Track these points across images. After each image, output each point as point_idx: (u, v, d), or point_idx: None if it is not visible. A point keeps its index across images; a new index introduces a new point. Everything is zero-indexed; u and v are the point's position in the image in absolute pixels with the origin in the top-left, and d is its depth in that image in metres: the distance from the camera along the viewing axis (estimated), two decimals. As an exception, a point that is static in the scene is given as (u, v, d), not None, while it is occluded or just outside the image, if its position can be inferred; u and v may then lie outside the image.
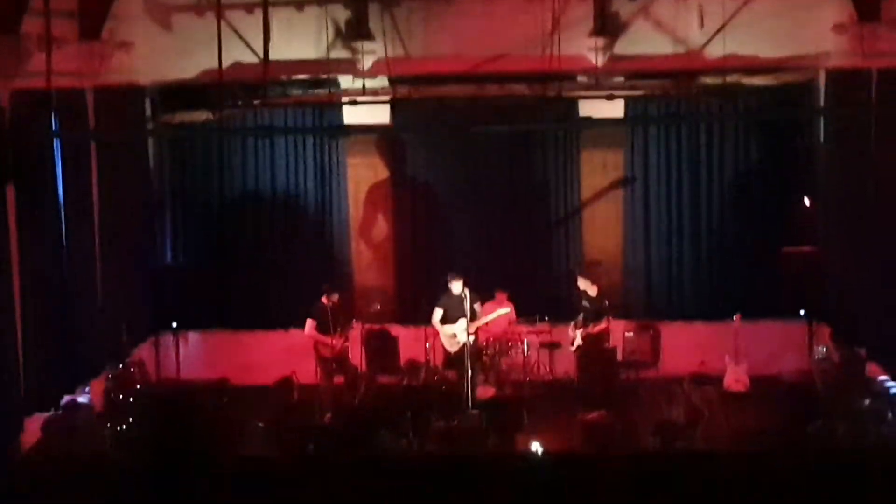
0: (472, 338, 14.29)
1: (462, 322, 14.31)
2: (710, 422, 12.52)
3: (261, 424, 12.53)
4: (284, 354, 14.92)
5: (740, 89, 15.34)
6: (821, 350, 14.60)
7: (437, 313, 14.62)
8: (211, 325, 16.35)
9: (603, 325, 14.70)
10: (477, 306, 14.50)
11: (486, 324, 14.75)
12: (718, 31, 13.98)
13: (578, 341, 14.87)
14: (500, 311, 14.68)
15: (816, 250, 14.85)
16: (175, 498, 9.88)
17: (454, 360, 14.59)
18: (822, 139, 15.23)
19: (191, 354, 15.97)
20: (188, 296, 15.73)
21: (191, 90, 15.34)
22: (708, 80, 15.37)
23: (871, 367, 13.89)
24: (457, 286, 14.43)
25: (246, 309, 16.43)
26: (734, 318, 15.09)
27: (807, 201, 15.39)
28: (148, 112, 15.57)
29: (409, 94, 15.53)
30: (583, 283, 14.98)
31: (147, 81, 15.20)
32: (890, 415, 12.41)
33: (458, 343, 14.43)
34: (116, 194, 14.51)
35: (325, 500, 9.45)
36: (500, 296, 15.32)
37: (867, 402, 12.57)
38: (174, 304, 15.65)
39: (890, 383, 13.32)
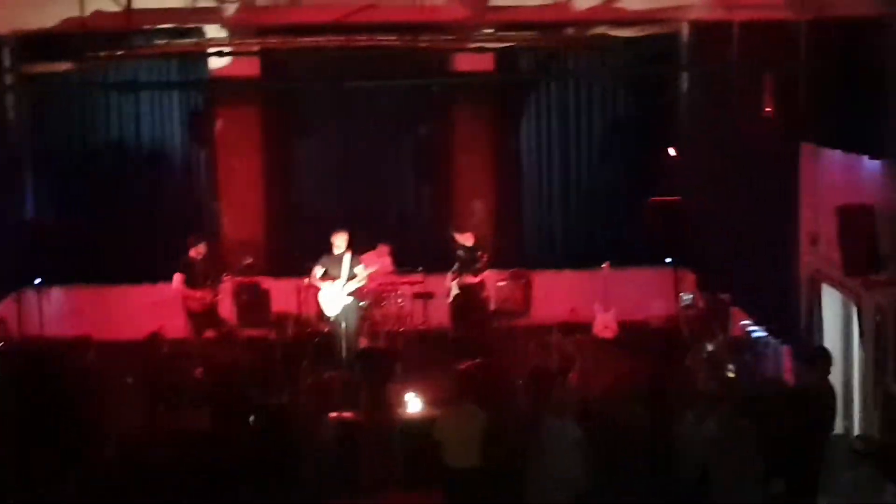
0: (350, 299, 14.24)
1: (339, 283, 14.18)
2: (581, 368, 12.73)
3: (129, 380, 12.34)
4: (153, 309, 14.72)
5: (607, 41, 15.51)
6: (686, 297, 14.97)
7: (318, 271, 14.39)
8: (76, 281, 16.05)
9: (480, 276, 14.87)
10: (359, 268, 14.37)
11: (372, 273, 14.73)
12: (586, -18, 14.10)
13: (455, 291, 14.99)
14: (370, 269, 14.55)
15: (681, 200, 15.15)
16: (39, 455, 9.73)
17: (338, 323, 14.52)
18: (686, 90, 15.51)
19: (55, 311, 15.66)
20: (52, 251, 15.35)
21: (51, 39, 14.89)
22: (575, 32, 15.51)
23: (735, 313, 14.29)
24: (339, 243, 14.25)
25: (112, 264, 16.13)
26: (603, 266, 15.37)
27: (672, 152, 15.69)
28: (7, 62, 15.09)
29: (278, 44, 15.32)
30: (458, 236, 15.10)
31: (5, 30, 14.71)
32: (747, 359, 12.79)
33: (338, 306, 14.32)
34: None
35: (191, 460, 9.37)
36: (382, 248, 15.33)
37: (712, 347, 12.93)
38: (37, 260, 15.27)
39: (753, 328, 13.72)
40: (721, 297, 14.46)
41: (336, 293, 14.22)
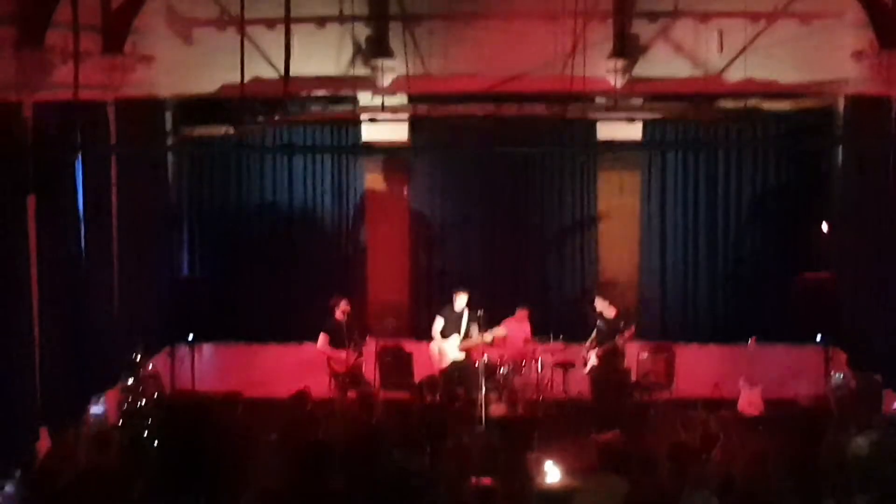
0: (461, 355, 14.46)
1: (454, 339, 14.50)
2: (724, 445, 12.47)
3: (273, 437, 12.52)
4: (298, 368, 14.96)
5: (759, 114, 15.37)
6: (838, 376, 14.54)
7: (438, 323, 14.94)
8: (226, 338, 16.42)
9: (622, 348, 14.77)
10: (474, 327, 14.66)
11: (503, 340, 14.89)
12: (738, 55, 14.05)
13: (593, 362, 14.91)
14: (496, 332, 14.71)
15: (833, 276, 14.82)
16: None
17: (449, 378, 14.71)
18: (840, 165, 15.22)
19: (205, 366, 16.02)
20: (204, 308, 15.74)
21: (211, 104, 15.45)
22: (727, 103, 15.43)
23: (889, 394, 13.86)
24: (460, 301, 14.64)
25: (261, 322, 16.52)
26: (749, 341, 15.06)
27: (825, 226, 15.38)
28: (168, 125, 15.66)
29: (428, 112, 15.62)
30: (600, 304, 15.06)
31: (168, 95, 15.29)
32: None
33: (448, 360, 14.69)
34: (135, 207, 14.56)
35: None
36: (521, 313, 15.39)
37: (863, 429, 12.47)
38: (190, 316, 15.65)
39: (905, 410, 13.30)
40: (874, 378, 14.05)
41: (449, 348, 14.63)
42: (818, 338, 15.14)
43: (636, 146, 16.35)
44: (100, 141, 13.63)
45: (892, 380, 13.76)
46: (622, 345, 14.87)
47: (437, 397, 13.62)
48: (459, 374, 14.71)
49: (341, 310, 14.62)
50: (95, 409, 13.54)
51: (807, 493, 9.82)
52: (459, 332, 14.72)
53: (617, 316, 14.92)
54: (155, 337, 15.26)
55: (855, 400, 13.79)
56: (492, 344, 14.73)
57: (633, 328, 14.81)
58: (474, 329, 14.69)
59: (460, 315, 14.78)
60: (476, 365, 14.66)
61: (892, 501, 8.98)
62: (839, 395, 14.19)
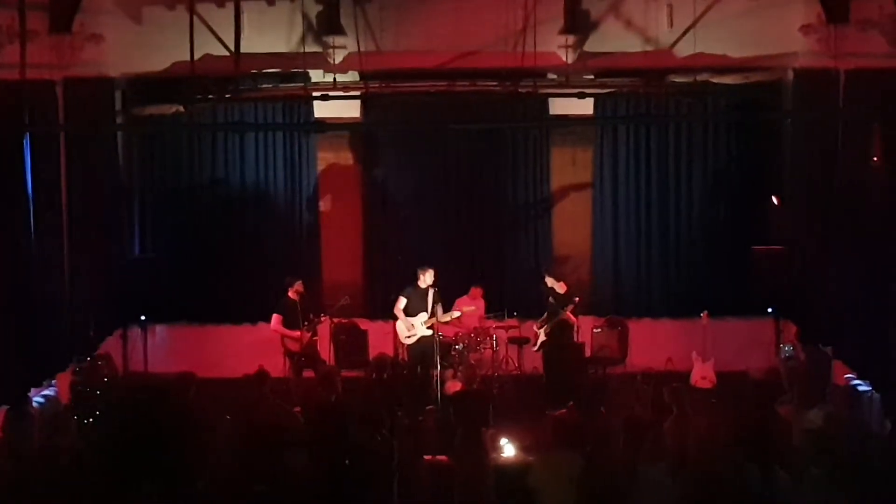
0: (429, 332, 14.54)
1: (422, 316, 14.49)
2: (677, 418, 12.56)
3: (228, 418, 12.48)
4: (252, 348, 14.91)
5: (709, 88, 15.46)
6: (787, 348, 14.70)
7: (401, 302, 14.81)
8: (179, 319, 16.35)
9: (565, 315, 14.83)
10: (438, 307, 14.67)
11: (457, 319, 14.93)
12: (688, 30, 14.09)
13: (542, 338, 14.98)
14: (455, 314, 14.82)
15: (784, 249, 14.95)
16: (140, 491, 9.84)
17: (414, 354, 14.70)
18: (789, 138, 15.34)
19: (158, 348, 15.94)
20: (156, 289, 15.67)
21: (161, 83, 15.30)
22: (677, 78, 15.50)
23: (837, 366, 14.02)
24: (427, 279, 14.59)
25: (214, 303, 16.42)
26: (701, 315, 15.19)
27: (775, 200, 15.51)
28: (118, 105, 15.49)
29: (381, 89, 15.57)
30: (550, 281, 15.12)
31: (117, 74, 15.09)
32: (848, 413, 12.48)
33: (416, 336, 14.64)
34: (85, 187, 14.42)
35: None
36: (475, 291, 15.45)
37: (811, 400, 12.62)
38: (142, 297, 15.56)
39: (856, 381, 13.45)
40: (823, 350, 14.20)
41: (415, 325, 14.63)
42: (769, 311, 15.31)
43: (588, 121, 16.40)
44: (48, 121, 13.47)
45: (842, 352, 13.92)
46: (567, 318, 14.91)
47: (387, 375, 13.63)
48: (422, 351, 14.67)
49: (295, 289, 14.56)
50: (47, 391, 13.44)
51: (760, 465, 9.93)
52: (427, 310, 14.65)
53: (567, 291, 14.99)
54: (107, 318, 15.13)
55: (805, 372, 13.93)
56: (460, 320, 14.81)
57: (575, 301, 14.86)
58: (439, 308, 14.68)
59: (425, 292, 14.70)
60: (452, 340, 14.74)
61: (846, 473, 9.11)
62: (789, 367, 14.35)
